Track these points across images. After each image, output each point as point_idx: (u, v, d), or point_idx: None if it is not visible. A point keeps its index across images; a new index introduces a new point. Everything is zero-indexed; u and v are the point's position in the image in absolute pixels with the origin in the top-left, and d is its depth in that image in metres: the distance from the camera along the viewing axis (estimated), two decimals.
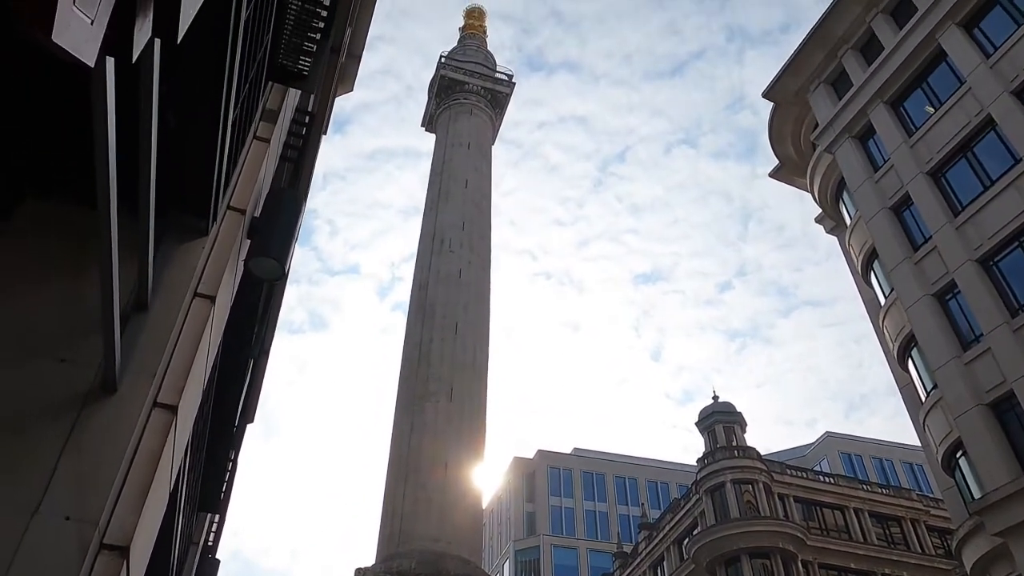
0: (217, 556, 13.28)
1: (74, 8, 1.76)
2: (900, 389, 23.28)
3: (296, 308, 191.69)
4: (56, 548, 3.23)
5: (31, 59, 3.41)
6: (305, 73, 5.63)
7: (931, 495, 41.99)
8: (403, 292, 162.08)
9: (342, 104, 14.20)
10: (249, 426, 13.62)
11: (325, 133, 13.22)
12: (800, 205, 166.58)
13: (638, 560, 43.15)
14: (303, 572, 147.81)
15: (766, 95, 27.14)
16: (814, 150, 26.50)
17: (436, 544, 27.47)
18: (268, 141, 5.65)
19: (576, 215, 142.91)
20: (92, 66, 2.00)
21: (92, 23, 1.90)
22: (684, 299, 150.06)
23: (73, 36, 1.77)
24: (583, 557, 59.64)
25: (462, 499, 29.09)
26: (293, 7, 5.68)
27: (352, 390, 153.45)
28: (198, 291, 4.50)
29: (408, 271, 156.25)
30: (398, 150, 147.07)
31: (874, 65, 23.26)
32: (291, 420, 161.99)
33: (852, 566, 34.77)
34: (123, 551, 3.49)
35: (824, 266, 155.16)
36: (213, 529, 12.80)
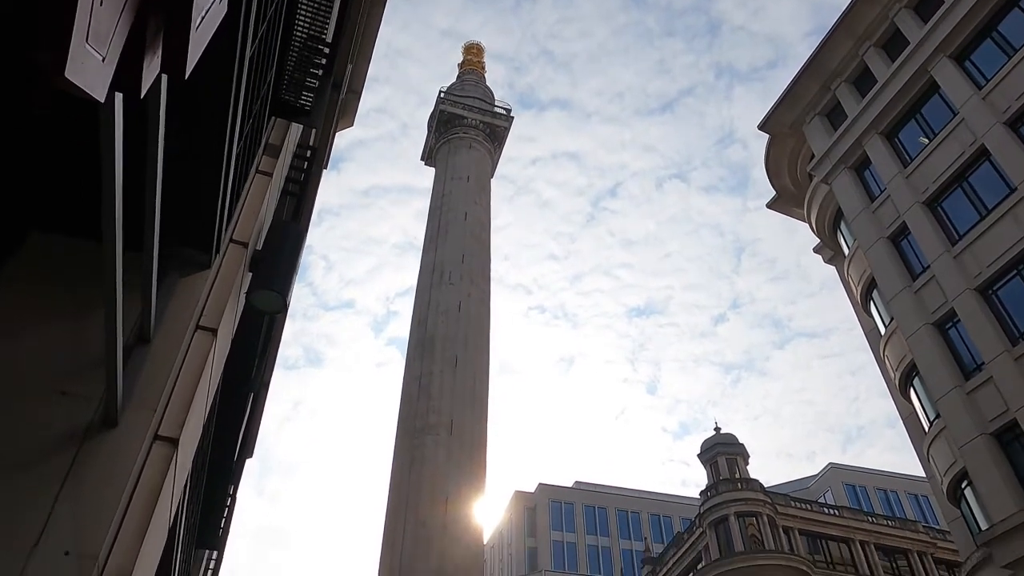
0: None
1: (87, 45, 1.80)
2: (903, 419, 23.16)
3: (291, 344, 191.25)
4: None
5: (34, 93, 3.47)
6: (307, 108, 5.72)
7: (938, 527, 41.48)
8: (398, 327, 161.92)
9: (337, 141, 14.33)
10: (247, 462, 13.51)
11: (326, 167, 13.35)
12: (792, 238, 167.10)
13: None
14: None
15: (762, 127, 27.46)
16: (810, 181, 26.73)
17: None
18: (270, 175, 5.71)
19: (569, 250, 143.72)
20: (102, 103, 2.03)
21: (104, 61, 1.94)
22: (679, 332, 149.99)
23: (86, 74, 1.81)
24: None
25: (463, 534, 28.71)
26: (296, 44, 5.78)
27: (348, 425, 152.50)
28: (200, 324, 4.51)
29: (402, 306, 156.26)
30: (393, 187, 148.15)
31: (868, 97, 23.57)
32: (287, 456, 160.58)
33: None
34: None
35: (818, 298, 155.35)
36: (211, 566, 12.62)
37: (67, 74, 1.72)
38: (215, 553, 12.48)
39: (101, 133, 2.55)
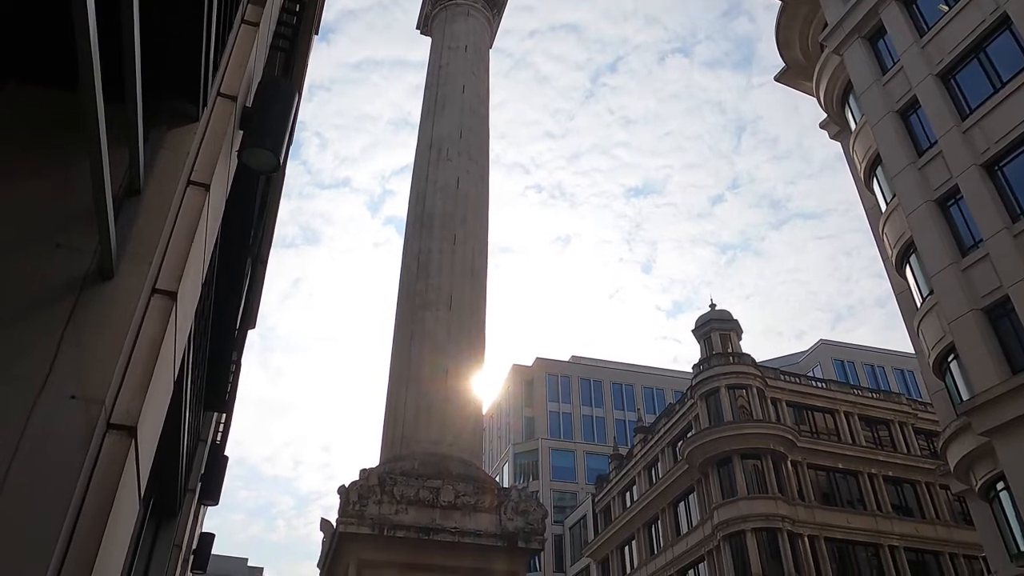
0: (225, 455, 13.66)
1: None
2: (896, 296, 23.49)
3: (288, 222, 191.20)
4: (63, 426, 3.27)
5: None
6: None
7: (920, 399, 43.07)
8: (394, 206, 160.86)
9: (325, 12, 13.58)
10: (249, 336, 13.73)
11: (317, 33, 12.73)
12: (796, 116, 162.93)
13: (633, 462, 44.64)
14: (305, 478, 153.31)
15: None
16: (821, 52, 25.72)
17: (438, 447, 28.21)
18: (257, 25, 5.42)
19: (567, 128, 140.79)
20: None
21: None
22: (676, 212, 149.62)
23: None
24: (580, 459, 61.73)
25: (463, 406, 29.66)
26: None
27: (347, 303, 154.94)
28: (191, 179, 4.41)
29: (398, 185, 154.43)
30: (385, 60, 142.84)
31: None
32: (288, 332, 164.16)
33: (840, 466, 36.03)
34: (131, 431, 3.54)
35: (818, 179, 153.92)
36: (220, 428, 13.12)
37: None
38: (223, 416, 12.94)
39: None
